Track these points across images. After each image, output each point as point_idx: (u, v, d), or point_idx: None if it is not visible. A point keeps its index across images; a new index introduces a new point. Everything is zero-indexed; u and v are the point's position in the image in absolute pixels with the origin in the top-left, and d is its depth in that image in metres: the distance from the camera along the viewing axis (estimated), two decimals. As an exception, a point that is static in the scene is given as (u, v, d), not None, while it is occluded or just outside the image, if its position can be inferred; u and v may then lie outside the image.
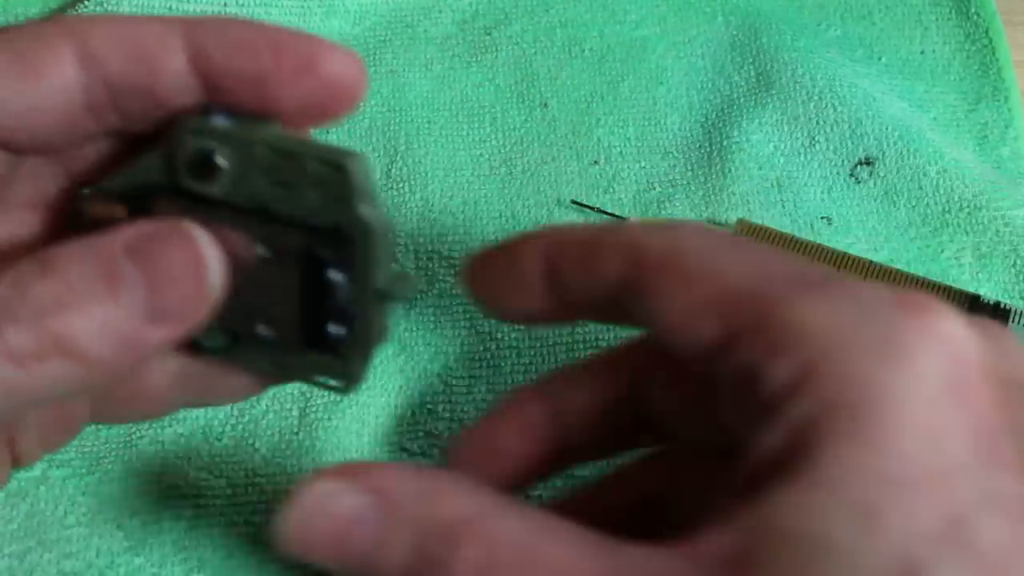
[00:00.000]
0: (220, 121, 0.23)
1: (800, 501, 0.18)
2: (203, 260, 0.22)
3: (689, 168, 0.39)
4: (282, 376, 0.25)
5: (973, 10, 0.42)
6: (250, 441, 0.32)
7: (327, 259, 0.23)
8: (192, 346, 0.25)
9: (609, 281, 0.23)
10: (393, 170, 0.38)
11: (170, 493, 0.31)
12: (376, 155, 0.39)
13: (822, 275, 0.21)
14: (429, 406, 0.33)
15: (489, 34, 0.42)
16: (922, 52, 0.41)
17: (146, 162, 0.23)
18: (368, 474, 0.21)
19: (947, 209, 0.37)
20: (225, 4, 0.39)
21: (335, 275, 0.23)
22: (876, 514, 0.17)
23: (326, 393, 0.33)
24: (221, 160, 0.23)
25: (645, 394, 0.26)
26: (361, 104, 0.39)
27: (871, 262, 0.35)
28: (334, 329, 0.24)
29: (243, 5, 0.39)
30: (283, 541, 0.21)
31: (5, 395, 0.20)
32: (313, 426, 0.32)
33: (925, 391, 0.18)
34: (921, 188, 0.37)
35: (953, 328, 0.19)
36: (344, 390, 0.25)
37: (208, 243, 0.22)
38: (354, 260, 0.23)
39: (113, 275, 0.21)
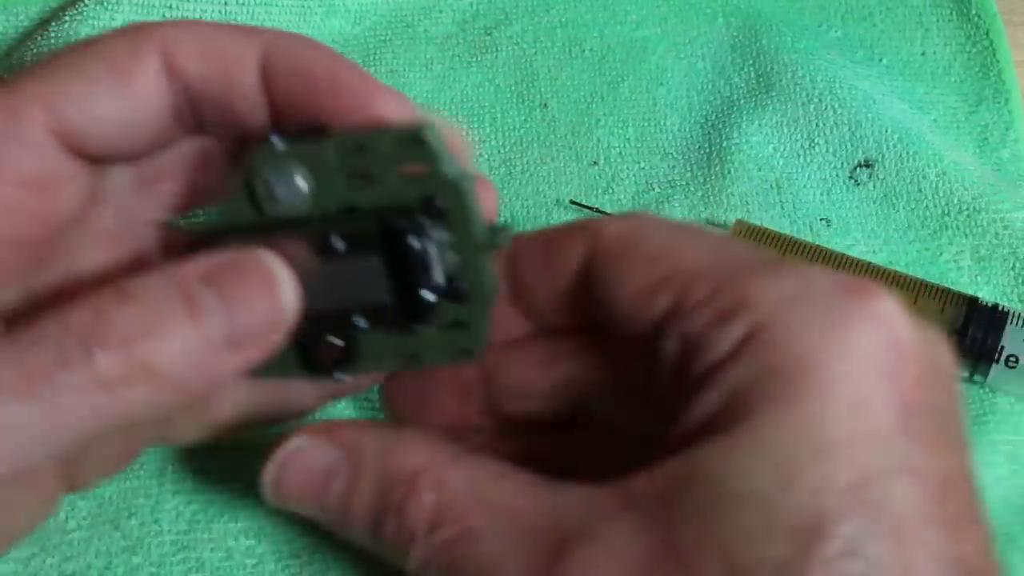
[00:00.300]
0: (283, 144, 0.23)
1: (727, 454, 0.20)
2: (277, 286, 0.23)
3: (688, 169, 0.39)
4: (410, 364, 0.25)
5: (974, 12, 0.41)
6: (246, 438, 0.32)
7: (405, 229, 0.23)
8: (309, 370, 0.25)
9: (569, 271, 0.25)
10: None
11: (169, 493, 0.31)
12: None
13: (774, 259, 0.23)
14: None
15: (489, 34, 0.42)
16: (923, 54, 0.41)
17: (232, 204, 0.24)
18: (337, 430, 0.24)
19: (946, 211, 0.37)
20: (225, 3, 0.39)
21: (417, 242, 0.23)
22: (794, 472, 0.19)
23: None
24: (301, 181, 0.23)
25: (581, 384, 0.27)
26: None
27: (870, 264, 0.35)
28: (428, 296, 0.24)
29: (243, 4, 0.39)
30: (266, 494, 0.24)
31: (92, 420, 0.21)
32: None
33: (858, 365, 0.20)
34: (920, 190, 0.37)
35: (893, 312, 0.21)
36: (471, 356, 0.25)
37: (280, 268, 0.23)
38: (452, 223, 0.23)
39: (192, 302, 0.22)
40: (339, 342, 0.25)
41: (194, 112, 0.24)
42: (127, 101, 0.23)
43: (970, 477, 0.21)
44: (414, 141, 0.23)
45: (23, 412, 0.20)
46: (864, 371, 0.20)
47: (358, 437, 0.24)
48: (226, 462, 0.32)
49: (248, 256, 0.23)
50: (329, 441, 0.24)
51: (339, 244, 0.23)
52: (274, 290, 0.23)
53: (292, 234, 0.23)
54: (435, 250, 0.23)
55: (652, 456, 0.22)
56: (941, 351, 0.22)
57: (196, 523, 0.31)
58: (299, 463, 0.24)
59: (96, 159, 0.24)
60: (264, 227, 0.24)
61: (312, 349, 0.25)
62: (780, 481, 0.19)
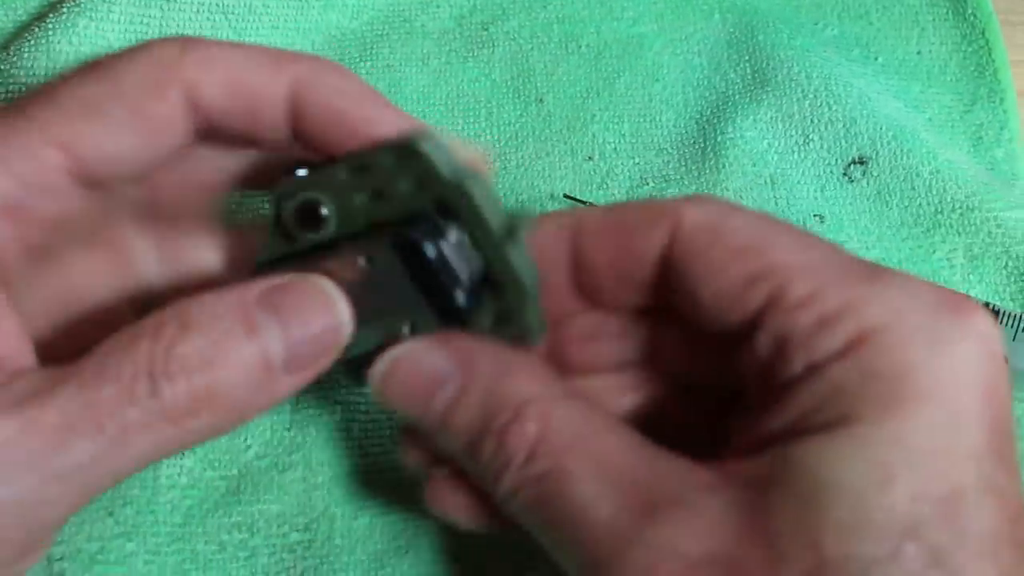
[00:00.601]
0: (303, 175, 0.24)
1: (827, 449, 0.20)
2: (333, 306, 0.24)
3: (683, 164, 0.39)
4: None
5: (970, 11, 0.41)
6: (244, 437, 0.32)
7: (417, 239, 0.24)
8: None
9: (648, 259, 0.25)
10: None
11: (164, 487, 0.31)
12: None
13: (869, 264, 0.23)
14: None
15: (486, 29, 0.42)
16: (918, 52, 0.41)
17: (271, 239, 0.25)
18: (454, 341, 0.24)
19: (939, 210, 0.37)
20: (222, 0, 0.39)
21: (432, 249, 0.24)
22: (892, 475, 0.20)
23: (316, 390, 0.33)
24: (324, 210, 0.24)
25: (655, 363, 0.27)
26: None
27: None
28: (460, 298, 0.24)
29: (240, 1, 0.39)
30: (374, 387, 0.24)
31: (156, 450, 0.21)
32: (304, 423, 0.33)
33: (960, 380, 0.21)
34: (914, 188, 0.37)
35: (991, 332, 0.22)
36: (527, 343, 0.25)
37: (334, 289, 0.24)
38: (466, 221, 0.24)
39: (253, 327, 0.22)
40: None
41: (213, 134, 0.24)
42: (146, 142, 0.23)
43: None
44: (410, 152, 0.23)
45: (91, 449, 0.20)
46: (964, 387, 0.21)
47: (473, 352, 0.24)
48: (222, 456, 0.32)
49: (302, 279, 0.23)
50: (444, 349, 0.24)
51: (363, 263, 0.24)
52: (330, 311, 0.23)
53: (328, 257, 0.24)
54: (453, 252, 0.24)
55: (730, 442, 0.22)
56: (1009, 376, 0.23)
57: (191, 516, 0.31)
58: (410, 364, 0.24)
59: (105, 186, 0.24)
60: (303, 254, 0.24)
61: (364, 361, 0.25)
62: (877, 482, 0.20)
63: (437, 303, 0.24)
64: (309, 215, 0.24)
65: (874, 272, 0.22)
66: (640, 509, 0.21)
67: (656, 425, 0.27)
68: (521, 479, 0.22)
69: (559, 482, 0.22)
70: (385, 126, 0.24)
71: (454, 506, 0.26)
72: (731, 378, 0.24)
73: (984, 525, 0.20)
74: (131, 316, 0.26)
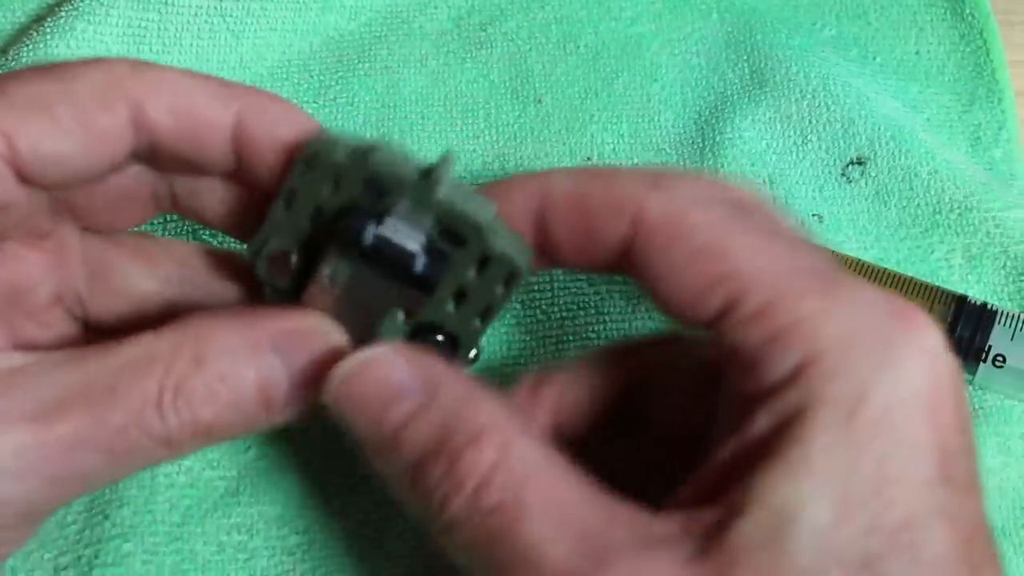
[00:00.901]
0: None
1: (785, 481, 0.20)
2: (336, 348, 0.24)
3: (681, 164, 0.39)
4: (489, 317, 0.26)
5: (968, 11, 0.41)
6: (243, 438, 0.32)
7: (351, 230, 0.24)
8: None
9: (609, 246, 0.24)
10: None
11: (163, 486, 0.31)
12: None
13: (825, 270, 0.23)
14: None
15: (484, 30, 0.42)
16: (917, 53, 0.41)
17: (270, 292, 0.26)
18: (423, 361, 0.23)
19: (938, 210, 0.37)
20: (220, 1, 0.39)
21: (369, 235, 0.24)
22: (851, 508, 0.20)
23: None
24: (293, 257, 0.25)
25: (640, 391, 0.27)
26: (355, 100, 0.39)
27: (860, 261, 0.35)
28: (419, 266, 0.24)
29: (238, 2, 0.39)
30: (329, 391, 0.23)
31: (145, 466, 0.23)
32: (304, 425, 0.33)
33: (906, 402, 0.21)
34: (912, 188, 0.37)
35: (938, 344, 0.22)
36: (521, 275, 0.25)
37: (339, 332, 0.25)
38: (389, 188, 0.24)
39: (262, 368, 0.23)
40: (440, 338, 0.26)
41: (153, 156, 0.25)
42: (87, 150, 0.23)
43: (987, 520, 0.22)
44: (311, 155, 0.24)
45: (96, 462, 0.22)
46: (911, 411, 0.21)
47: (441, 374, 0.23)
48: (221, 457, 0.32)
49: (307, 322, 0.24)
50: (410, 364, 0.23)
51: (327, 281, 0.25)
52: (332, 352, 0.24)
53: (314, 282, 0.25)
54: (399, 225, 0.24)
55: (697, 465, 0.22)
56: (964, 384, 0.22)
57: (190, 516, 0.31)
58: (374, 371, 0.23)
59: (43, 188, 0.24)
60: (297, 283, 0.25)
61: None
62: (839, 516, 0.20)
63: (401, 279, 0.24)
64: (279, 265, 0.25)
65: (828, 282, 0.22)
66: (596, 556, 0.20)
67: (618, 459, 0.27)
68: (470, 508, 0.21)
69: (512, 516, 0.20)
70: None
71: None
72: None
73: (936, 551, 0.20)
74: (67, 317, 0.27)
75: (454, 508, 0.21)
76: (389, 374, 0.23)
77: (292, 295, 0.25)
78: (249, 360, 0.23)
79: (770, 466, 0.20)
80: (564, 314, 0.35)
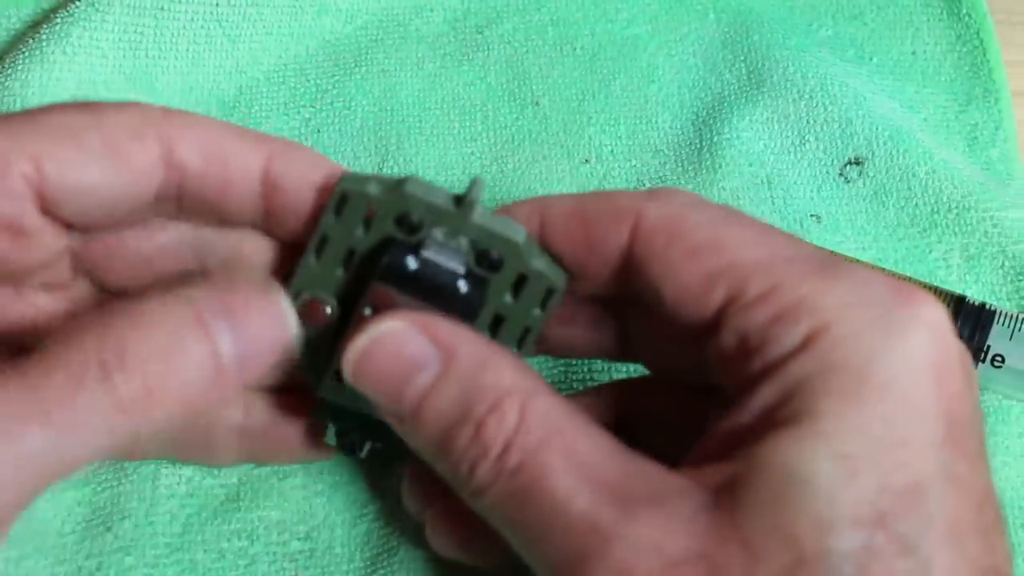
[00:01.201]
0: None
1: (794, 444, 0.20)
2: (280, 312, 0.24)
3: (679, 165, 0.39)
4: (528, 338, 0.26)
5: (964, 11, 0.41)
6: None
7: (395, 260, 0.25)
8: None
9: (610, 256, 0.25)
10: (384, 169, 0.38)
11: (163, 497, 0.31)
12: (367, 155, 0.39)
13: (824, 257, 0.23)
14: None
15: (481, 33, 0.42)
16: (913, 53, 0.41)
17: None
18: (436, 326, 0.24)
19: (936, 210, 0.37)
20: (217, 4, 0.39)
21: (413, 261, 0.25)
22: (858, 467, 0.20)
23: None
24: (327, 308, 0.26)
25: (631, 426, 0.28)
26: (352, 104, 0.39)
27: (859, 262, 0.35)
28: (464, 286, 0.25)
29: (234, 5, 0.39)
30: (347, 366, 0.24)
31: (108, 443, 0.21)
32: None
33: (914, 369, 0.21)
34: (910, 188, 0.37)
35: (941, 318, 0.22)
36: (559, 292, 0.25)
37: (279, 292, 0.24)
38: (427, 218, 0.25)
39: (204, 327, 0.22)
40: None
41: (178, 203, 0.25)
42: (117, 180, 0.23)
43: (996, 491, 0.22)
44: (341, 197, 0.24)
45: (41, 440, 0.20)
46: (918, 377, 0.21)
47: (457, 339, 0.23)
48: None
49: (248, 287, 0.24)
50: (426, 333, 0.23)
51: (369, 314, 0.25)
52: (277, 316, 0.24)
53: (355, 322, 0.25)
54: (436, 253, 0.24)
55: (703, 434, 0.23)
56: (971, 364, 0.23)
57: (190, 525, 0.31)
58: (390, 345, 0.23)
59: (64, 224, 0.24)
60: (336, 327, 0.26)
61: None
62: (845, 475, 0.20)
63: (448, 305, 0.25)
64: (315, 313, 0.25)
65: (828, 265, 0.23)
66: (618, 506, 0.21)
67: (632, 424, 0.28)
68: (497, 471, 0.22)
69: (536, 475, 0.21)
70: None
71: (454, 543, 0.27)
72: (704, 372, 0.25)
73: (948, 513, 0.20)
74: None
75: (482, 473, 0.22)
76: (403, 347, 0.23)
77: (331, 339, 0.26)
78: (188, 318, 0.22)
79: (779, 429, 0.21)
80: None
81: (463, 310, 0.25)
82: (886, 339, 0.21)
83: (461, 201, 0.24)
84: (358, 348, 0.23)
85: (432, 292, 0.24)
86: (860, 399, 0.20)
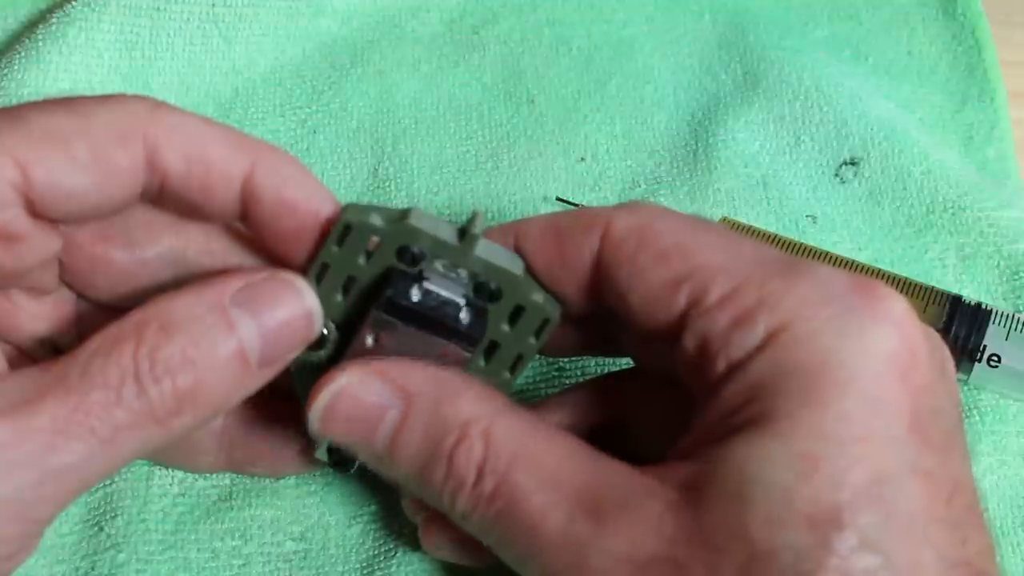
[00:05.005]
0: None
1: (753, 446, 0.21)
2: (302, 298, 0.24)
3: (675, 166, 0.39)
4: (520, 366, 0.27)
5: (960, 11, 0.42)
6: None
7: (398, 292, 0.25)
8: None
9: (583, 265, 0.25)
10: (380, 170, 0.38)
11: (156, 496, 0.31)
12: (363, 155, 0.39)
13: (786, 258, 0.24)
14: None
15: (477, 33, 0.42)
16: (909, 53, 0.41)
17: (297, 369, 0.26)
18: (392, 371, 0.24)
19: (931, 210, 0.37)
20: (213, 5, 0.39)
21: (416, 292, 0.25)
22: (814, 464, 0.20)
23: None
24: (324, 330, 0.26)
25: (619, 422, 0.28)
26: (348, 104, 0.39)
27: (855, 261, 0.35)
28: (465, 316, 0.25)
29: (230, 6, 0.39)
30: (312, 424, 0.24)
31: (141, 450, 0.22)
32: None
33: (874, 365, 0.21)
34: (906, 188, 0.37)
35: (904, 314, 0.22)
36: (553, 321, 0.26)
37: (302, 282, 0.25)
38: (429, 250, 0.25)
39: (230, 324, 0.23)
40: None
41: (161, 198, 0.25)
42: (101, 186, 0.23)
43: (972, 483, 0.22)
44: (345, 227, 0.25)
45: (82, 450, 0.21)
46: (879, 372, 0.21)
47: (411, 378, 0.24)
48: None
49: (272, 275, 0.24)
50: (381, 379, 0.24)
51: (371, 342, 0.25)
52: (299, 301, 0.24)
53: (353, 350, 0.26)
54: (437, 285, 0.25)
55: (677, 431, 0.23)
56: (945, 355, 0.23)
57: (183, 523, 0.31)
58: (350, 397, 0.24)
59: (50, 221, 0.24)
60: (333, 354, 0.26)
61: None
62: (801, 472, 0.20)
63: (449, 334, 0.25)
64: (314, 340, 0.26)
65: (790, 266, 0.23)
66: (589, 516, 0.21)
67: (626, 416, 0.29)
68: (475, 498, 0.23)
69: (510, 496, 0.22)
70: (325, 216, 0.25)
71: (448, 546, 0.27)
72: (675, 377, 0.25)
73: (912, 506, 0.20)
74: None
75: (462, 503, 0.23)
76: (363, 397, 0.24)
77: (328, 364, 0.26)
78: (216, 320, 0.23)
79: (740, 431, 0.21)
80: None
81: (464, 339, 0.25)
82: (845, 335, 0.21)
83: (463, 235, 0.25)
84: (320, 406, 0.24)
85: (434, 322, 0.25)
86: (818, 397, 0.21)
